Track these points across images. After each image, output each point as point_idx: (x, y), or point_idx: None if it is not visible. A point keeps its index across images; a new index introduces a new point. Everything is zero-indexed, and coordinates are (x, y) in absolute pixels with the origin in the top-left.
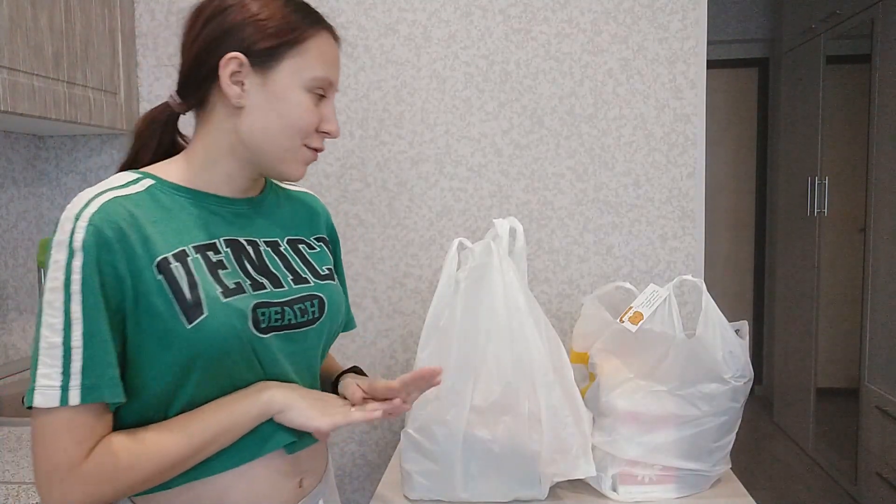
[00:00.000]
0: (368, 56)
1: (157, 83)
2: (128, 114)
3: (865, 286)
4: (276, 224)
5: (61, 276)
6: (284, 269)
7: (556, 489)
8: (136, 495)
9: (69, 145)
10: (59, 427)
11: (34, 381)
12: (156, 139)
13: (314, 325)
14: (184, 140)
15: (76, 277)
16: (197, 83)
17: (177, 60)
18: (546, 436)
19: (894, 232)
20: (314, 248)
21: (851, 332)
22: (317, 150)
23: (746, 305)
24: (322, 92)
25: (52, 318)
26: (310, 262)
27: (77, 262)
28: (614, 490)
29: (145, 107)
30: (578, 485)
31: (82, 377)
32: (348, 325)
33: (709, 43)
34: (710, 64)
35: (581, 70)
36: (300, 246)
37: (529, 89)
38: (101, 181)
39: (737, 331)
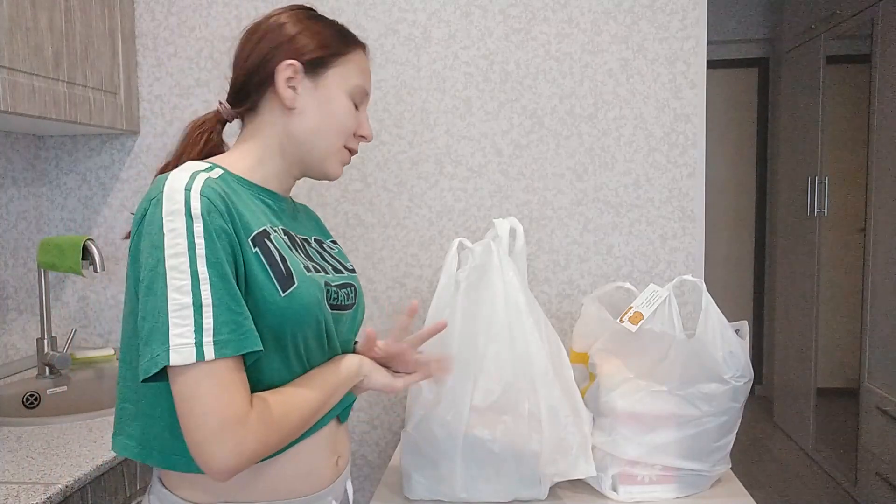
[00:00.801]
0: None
1: (157, 83)
2: (128, 114)
3: (865, 286)
4: (303, 224)
5: (184, 242)
6: (322, 261)
7: (556, 489)
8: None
9: (69, 145)
10: (208, 382)
11: (167, 343)
12: (201, 144)
13: (352, 310)
14: (225, 147)
15: (199, 241)
16: (252, 89)
17: (177, 61)
18: (546, 436)
19: (894, 232)
20: (333, 249)
21: (851, 332)
22: (352, 152)
23: (746, 305)
24: (359, 100)
25: (179, 282)
26: (336, 258)
27: (199, 227)
28: (614, 490)
29: (145, 107)
30: (578, 485)
31: (215, 332)
32: None
33: (709, 43)
34: (710, 64)
35: (581, 70)
36: (324, 245)
37: (529, 89)
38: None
39: (737, 331)
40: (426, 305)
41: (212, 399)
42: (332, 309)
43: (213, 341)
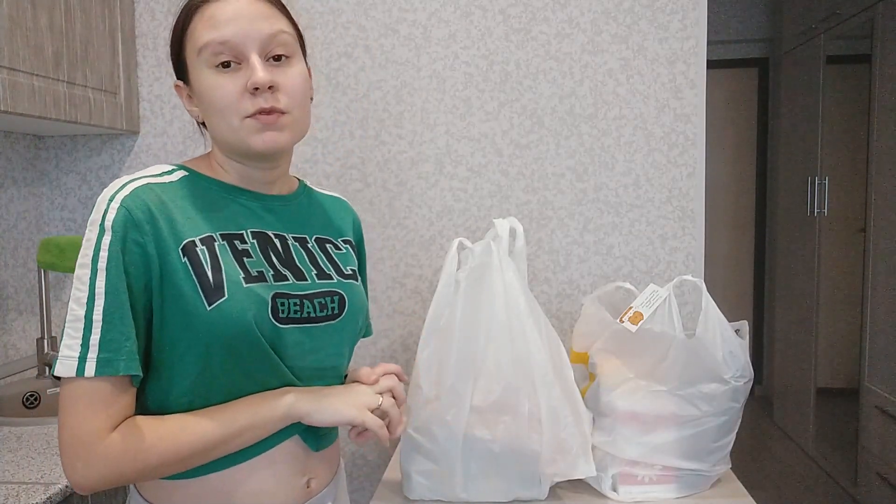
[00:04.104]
0: (368, 56)
1: (157, 83)
2: (128, 114)
3: (865, 286)
4: (305, 222)
5: (90, 253)
6: (309, 264)
7: (556, 489)
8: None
9: (69, 145)
10: (80, 398)
11: (59, 352)
12: None
13: (334, 322)
14: None
15: (103, 255)
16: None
17: None
18: (546, 436)
19: (894, 232)
20: (340, 249)
21: (851, 332)
22: (262, 113)
23: (746, 305)
24: (225, 59)
25: (78, 293)
26: (335, 261)
27: (106, 240)
28: (614, 490)
29: (145, 107)
30: (578, 485)
31: (99, 350)
32: (366, 331)
33: (709, 43)
34: (710, 64)
35: (581, 70)
36: (327, 245)
37: (529, 89)
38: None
39: (737, 331)
40: (426, 305)
41: (74, 415)
42: (292, 323)
43: (97, 358)
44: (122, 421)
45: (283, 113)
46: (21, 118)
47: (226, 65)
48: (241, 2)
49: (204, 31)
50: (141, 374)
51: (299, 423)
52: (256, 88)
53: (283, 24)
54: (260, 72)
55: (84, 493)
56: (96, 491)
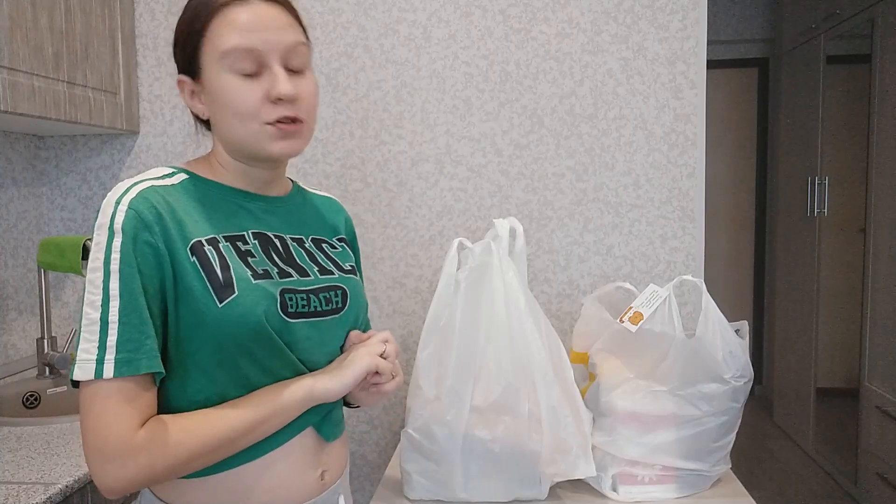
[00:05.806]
0: (368, 56)
1: (157, 83)
2: (128, 114)
3: (865, 286)
4: (301, 223)
5: (102, 256)
6: (309, 262)
7: (556, 489)
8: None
9: (69, 145)
10: (102, 400)
11: (76, 356)
12: None
13: (338, 315)
14: None
15: (115, 257)
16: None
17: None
18: (546, 436)
19: (894, 232)
20: (336, 248)
21: (851, 332)
22: (280, 122)
23: (746, 305)
24: (249, 66)
25: (92, 296)
26: (333, 258)
27: (117, 243)
28: (614, 490)
29: (145, 107)
30: (578, 485)
31: (117, 351)
32: (364, 326)
33: (709, 43)
34: (710, 64)
35: (581, 70)
36: (323, 244)
37: (529, 89)
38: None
39: (737, 331)
40: (426, 305)
41: (98, 418)
42: (300, 317)
43: (114, 360)
44: (147, 419)
45: (301, 122)
46: (21, 118)
47: (247, 71)
48: (262, 7)
49: (228, 35)
50: (163, 371)
51: (313, 414)
52: (280, 99)
53: (301, 36)
54: (286, 83)
55: (115, 496)
56: (128, 493)
